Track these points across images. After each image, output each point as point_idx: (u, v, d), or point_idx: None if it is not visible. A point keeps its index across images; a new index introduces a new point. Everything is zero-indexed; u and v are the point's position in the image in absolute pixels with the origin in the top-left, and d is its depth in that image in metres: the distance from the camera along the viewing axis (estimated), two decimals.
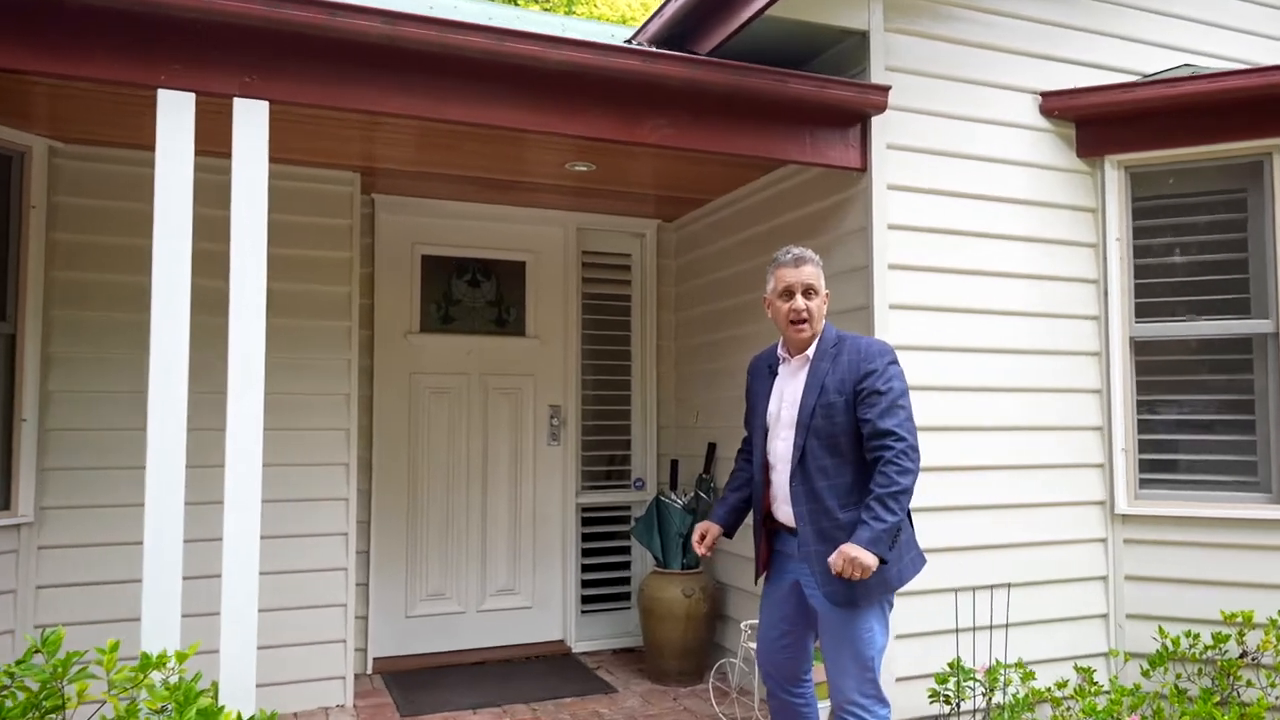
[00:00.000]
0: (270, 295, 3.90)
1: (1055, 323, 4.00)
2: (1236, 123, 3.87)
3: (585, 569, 5.23)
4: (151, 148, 2.80)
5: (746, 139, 3.54)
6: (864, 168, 3.70)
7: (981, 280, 3.88)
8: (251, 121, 2.83)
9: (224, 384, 2.77)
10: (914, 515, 3.59)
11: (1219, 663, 3.64)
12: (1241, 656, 3.64)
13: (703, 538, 2.92)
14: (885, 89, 3.64)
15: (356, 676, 4.53)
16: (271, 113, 2.92)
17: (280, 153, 3.86)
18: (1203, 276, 4.00)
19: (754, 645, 3.31)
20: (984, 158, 3.92)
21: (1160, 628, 3.78)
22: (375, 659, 4.71)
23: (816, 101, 3.55)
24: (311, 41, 2.88)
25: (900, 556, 2.63)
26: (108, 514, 3.81)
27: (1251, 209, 3.92)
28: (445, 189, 4.75)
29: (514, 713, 4.11)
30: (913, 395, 3.61)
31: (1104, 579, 4.00)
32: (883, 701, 2.67)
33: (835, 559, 2.49)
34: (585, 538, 5.25)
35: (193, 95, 2.77)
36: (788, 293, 2.73)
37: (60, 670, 2.29)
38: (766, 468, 2.82)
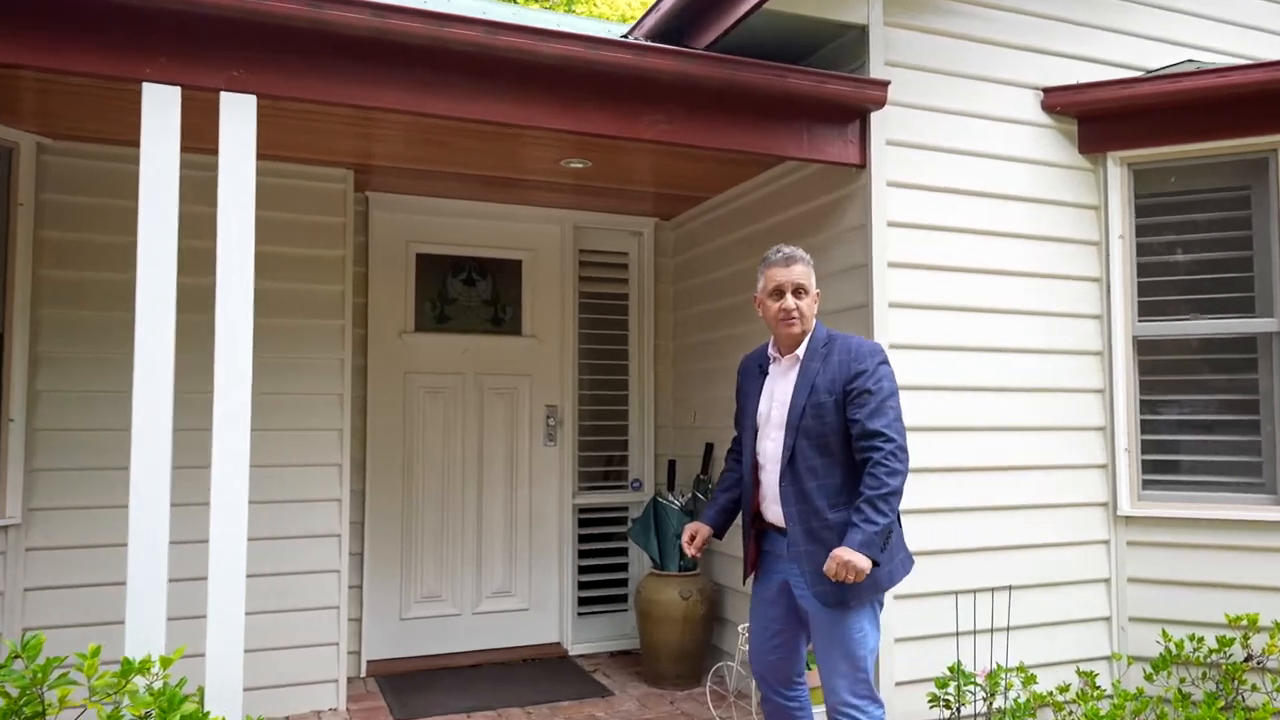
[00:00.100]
0: (261, 294, 3.85)
1: (1057, 321, 3.95)
2: (1241, 119, 3.82)
3: (582, 571, 5.18)
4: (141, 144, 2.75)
5: (744, 135, 3.49)
6: (863, 164, 3.64)
7: (982, 278, 3.83)
8: (239, 116, 2.78)
9: (212, 383, 2.72)
10: (914, 517, 3.59)
11: (1223, 667, 3.59)
12: (1246, 660, 3.58)
13: (692, 538, 2.92)
14: (884, 84, 3.59)
15: (350, 679, 4.49)
16: (260, 108, 2.88)
17: (271, 149, 3.82)
18: (1206, 275, 3.94)
19: None
20: (985, 154, 3.87)
21: (1164, 631, 3.73)
22: (369, 662, 4.66)
23: (814, 96, 3.50)
24: (299, 34, 2.83)
25: (891, 558, 2.62)
26: (97, 515, 3.76)
27: (1256, 206, 3.87)
28: (440, 186, 4.70)
29: (509, 716, 4.06)
30: (912, 395, 3.63)
31: (1106, 581, 3.95)
32: (876, 702, 2.66)
33: (829, 564, 2.49)
34: (582, 539, 5.20)
35: (179, 89, 2.72)
36: (778, 292, 2.72)
37: (40, 676, 2.24)
38: (756, 468, 2.81)
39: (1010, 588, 3.73)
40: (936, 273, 3.73)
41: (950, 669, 3.40)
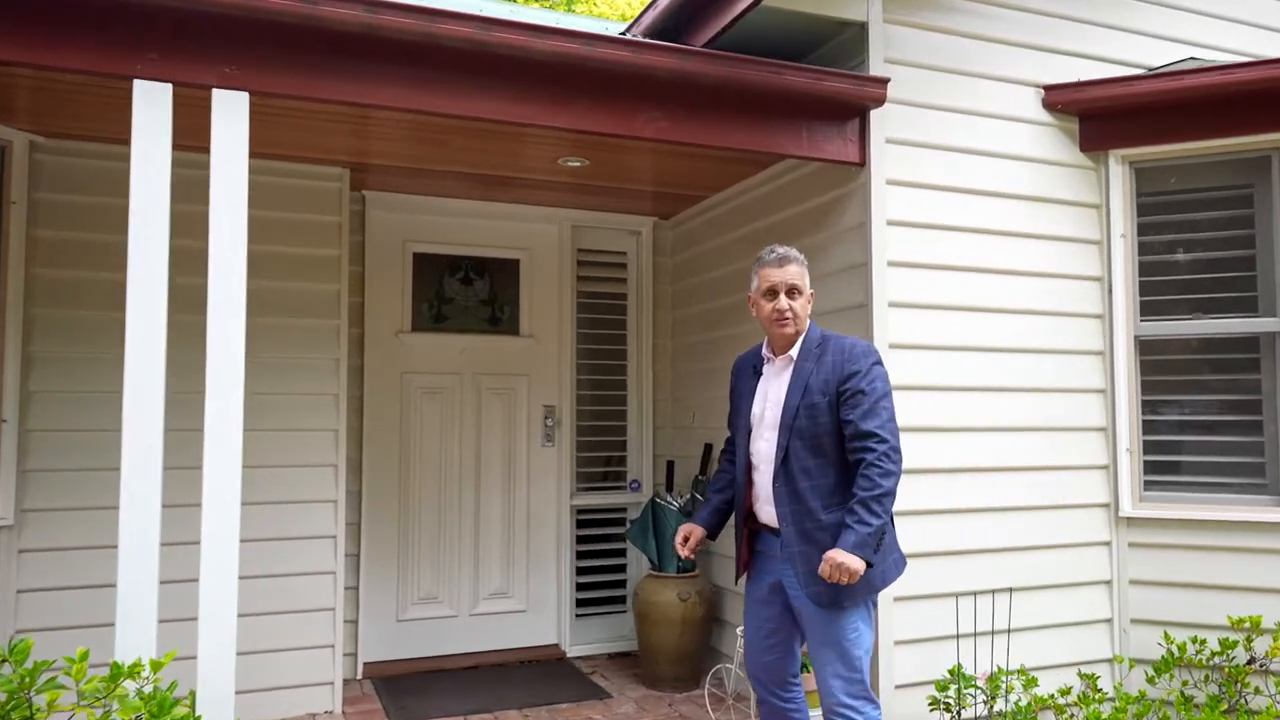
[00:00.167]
0: (256, 293, 3.83)
1: (1058, 321, 3.92)
2: (1243, 117, 3.79)
3: (580, 572, 5.15)
4: None
5: (742, 133, 3.46)
6: (862, 162, 3.61)
7: (983, 278, 3.79)
8: (231, 113, 2.75)
9: (206, 384, 2.69)
10: (914, 518, 3.56)
11: (1226, 669, 3.56)
12: (1249, 663, 3.55)
13: (685, 540, 2.93)
14: (884, 81, 3.56)
15: (346, 682, 4.45)
16: (254, 105, 2.86)
17: (266, 147, 3.79)
18: (1209, 274, 3.91)
19: None
20: (985, 152, 3.84)
21: (1166, 633, 3.70)
22: (365, 664, 4.63)
23: (812, 94, 3.47)
24: (291, 30, 2.79)
25: (884, 558, 2.62)
26: (91, 516, 3.73)
27: (1259, 204, 3.84)
28: (437, 185, 4.67)
29: (506, 719, 4.03)
30: (912, 395, 3.60)
31: (1108, 583, 3.92)
32: (872, 702, 2.66)
33: (823, 566, 2.49)
34: (580, 540, 5.17)
35: (170, 86, 2.69)
36: (771, 292, 2.72)
37: (28, 680, 2.22)
38: (749, 468, 2.81)
39: (1011, 590, 3.70)
40: (936, 272, 3.70)
41: (951, 672, 3.37)
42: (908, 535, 3.50)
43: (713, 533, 2.97)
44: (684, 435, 5.09)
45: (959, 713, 3.34)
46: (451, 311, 5.00)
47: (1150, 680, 3.61)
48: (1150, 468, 3.95)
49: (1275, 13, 4.42)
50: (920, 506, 3.58)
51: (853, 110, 3.59)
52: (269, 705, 3.92)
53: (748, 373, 2.89)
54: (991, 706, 3.39)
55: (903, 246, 3.63)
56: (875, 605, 2.73)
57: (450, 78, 3.01)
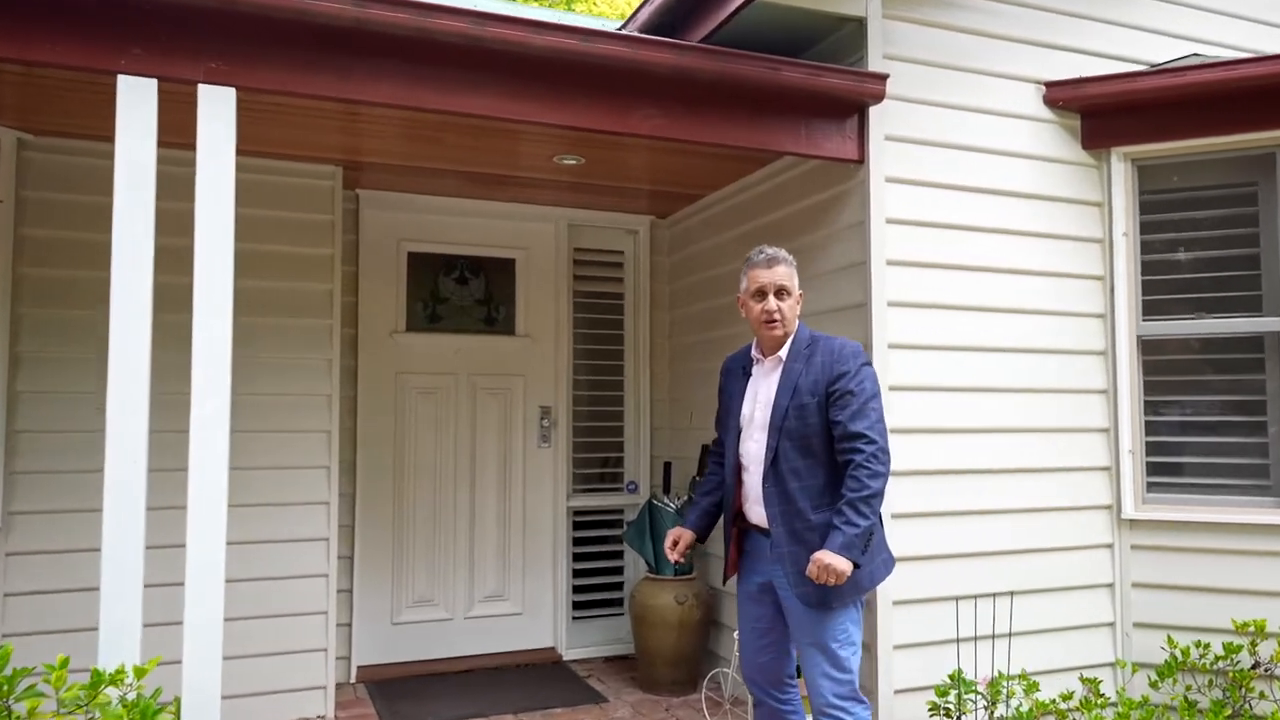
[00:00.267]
0: (247, 293, 3.79)
1: (1060, 321, 3.87)
2: (1247, 113, 3.74)
3: (576, 574, 5.10)
4: None
5: (739, 129, 3.41)
6: (861, 159, 3.56)
7: (983, 277, 3.74)
8: (218, 109, 2.70)
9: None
10: (913, 520, 3.52)
11: (1230, 674, 3.51)
12: (1254, 667, 3.50)
13: (675, 544, 2.94)
14: (883, 77, 3.51)
15: (339, 686, 4.40)
16: (242, 102, 2.81)
17: (255, 145, 3.74)
18: (1212, 273, 3.86)
19: None
20: (986, 150, 3.79)
21: (1169, 637, 3.64)
22: (359, 667, 4.58)
23: (810, 90, 3.42)
24: (280, 25, 2.74)
25: (872, 558, 2.64)
26: (81, 519, 3.67)
27: (1263, 202, 3.79)
28: (432, 184, 4.62)
29: None
30: (912, 396, 3.55)
31: (1110, 586, 3.87)
32: (860, 702, 2.68)
33: (810, 567, 2.51)
34: (576, 542, 5.12)
35: (155, 81, 2.64)
36: (760, 293, 2.74)
37: (6, 688, 2.17)
38: (739, 469, 2.82)
39: (1012, 593, 3.65)
40: (936, 271, 3.65)
41: (951, 677, 3.32)
42: (907, 538, 3.47)
43: (702, 536, 2.99)
44: (682, 436, 5.04)
45: (959, 718, 3.29)
46: (447, 311, 4.95)
47: (1153, 685, 3.56)
48: (1153, 469, 3.90)
49: (1278, 8, 4.37)
50: (920, 509, 3.53)
51: (851, 107, 3.54)
52: (260, 710, 3.87)
53: (737, 374, 2.90)
54: (992, 712, 3.34)
55: (902, 245, 3.58)
56: (864, 605, 2.75)
57: (444, 73, 2.96)
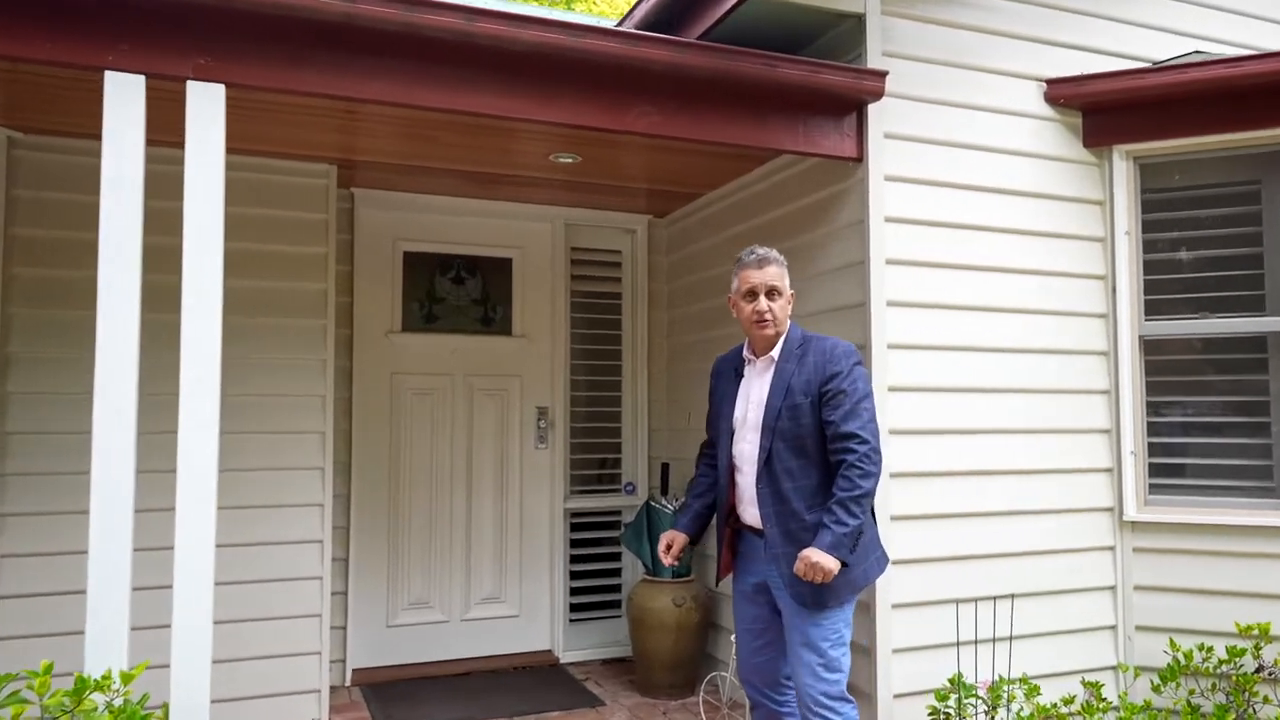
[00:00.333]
0: (238, 292, 3.76)
1: (1061, 320, 3.83)
2: (1251, 111, 3.70)
3: (574, 576, 5.06)
4: None
5: (737, 127, 3.37)
6: (860, 158, 3.53)
7: (983, 276, 3.71)
8: (207, 106, 2.66)
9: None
10: (912, 523, 3.48)
11: (1234, 678, 3.47)
12: (1258, 671, 3.46)
13: (669, 547, 2.94)
14: (882, 74, 3.47)
15: (333, 689, 4.37)
16: (233, 99, 2.77)
17: (246, 143, 3.70)
18: (1215, 272, 3.82)
19: None
20: (986, 148, 3.75)
21: (1171, 640, 3.60)
22: (354, 670, 4.54)
23: (808, 87, 3.38)
24: (269, 20, 2.70)
25: (865, 557, 2.65)
26: (72, 521, 3.62)
27: (1267, 201, 3.75)
28: (427, 183, 4.58)
29: None
30: (911, 396, 3.51)
31: (1112, 589, 3.83)
32: (849, 702, 2.70)
33: (798, 564, 2.52)
34: (573, 544, 5.08)
35: (143, 78, 2.60)
36: (751, 293, 2.76)
37: None
38: (732, 470, 2.82)
39: (1013, 596, 3.61)
40: (936, 270, 3.61)
41: (951, 680, 3.28)
42: (906, 540, 3.44)
43: (695, 538, 2.99)
44: (680, 437, 5.00)
45: None
46: (443, 311, 4.92)
47: (1155, 689, 3.52)
48: (1155, 470, 3.86)
49: None
50: (919, 510, 3.50)
51: (850, 104, 3.51)
52: (254, 714, 3.83)
53: (729, 375, 2.90)
54: (993, 716, 3.30)
55: (901, 244, 3.54)
56: (853, 605, 2.76)
57: (436, 70, 2.92)
